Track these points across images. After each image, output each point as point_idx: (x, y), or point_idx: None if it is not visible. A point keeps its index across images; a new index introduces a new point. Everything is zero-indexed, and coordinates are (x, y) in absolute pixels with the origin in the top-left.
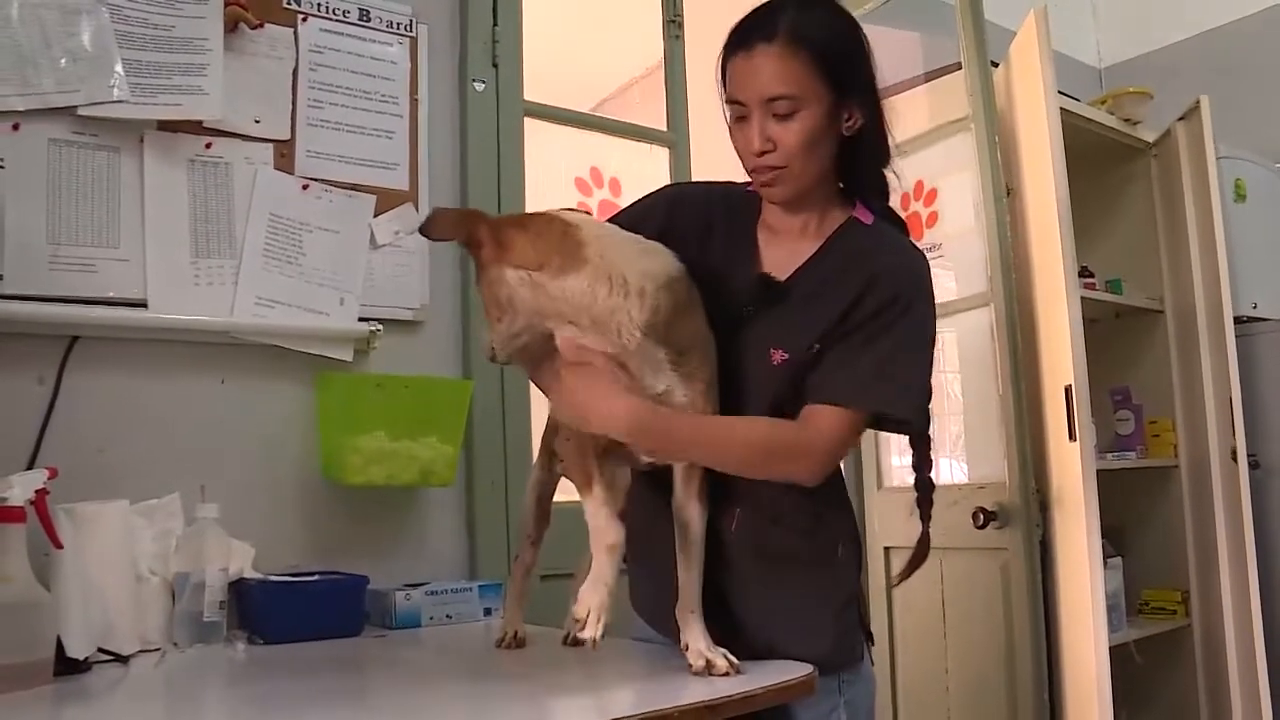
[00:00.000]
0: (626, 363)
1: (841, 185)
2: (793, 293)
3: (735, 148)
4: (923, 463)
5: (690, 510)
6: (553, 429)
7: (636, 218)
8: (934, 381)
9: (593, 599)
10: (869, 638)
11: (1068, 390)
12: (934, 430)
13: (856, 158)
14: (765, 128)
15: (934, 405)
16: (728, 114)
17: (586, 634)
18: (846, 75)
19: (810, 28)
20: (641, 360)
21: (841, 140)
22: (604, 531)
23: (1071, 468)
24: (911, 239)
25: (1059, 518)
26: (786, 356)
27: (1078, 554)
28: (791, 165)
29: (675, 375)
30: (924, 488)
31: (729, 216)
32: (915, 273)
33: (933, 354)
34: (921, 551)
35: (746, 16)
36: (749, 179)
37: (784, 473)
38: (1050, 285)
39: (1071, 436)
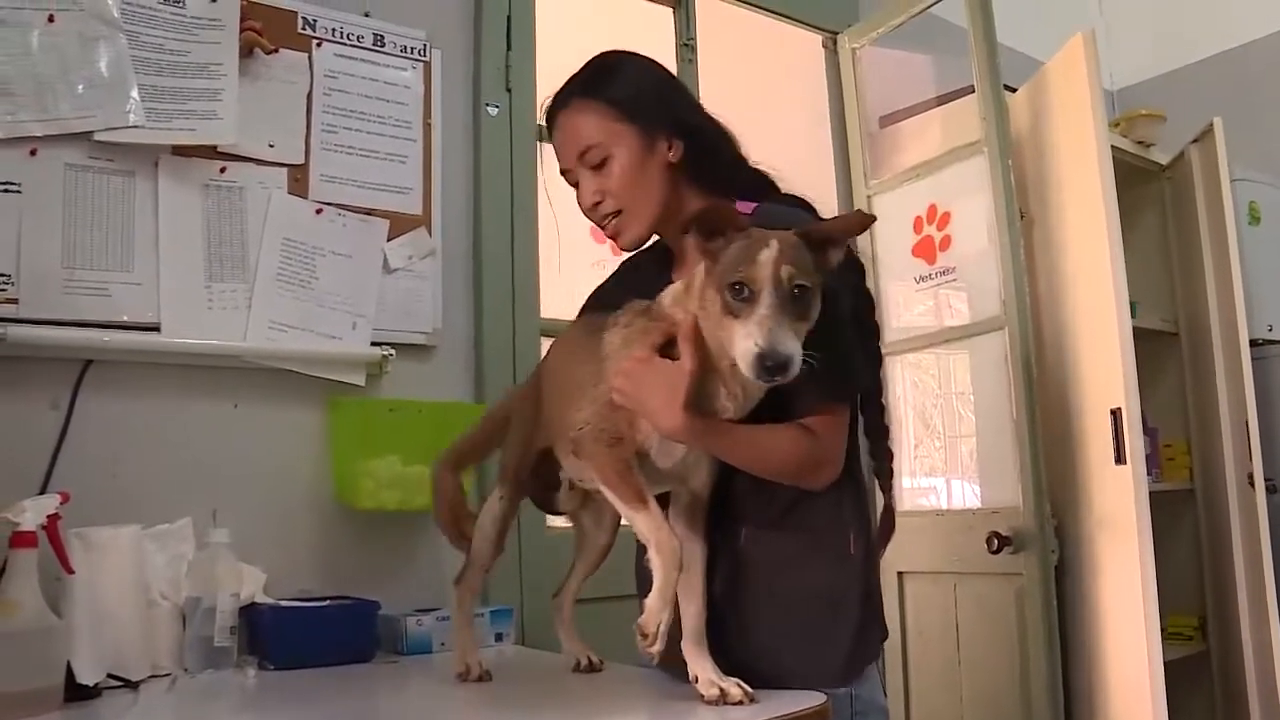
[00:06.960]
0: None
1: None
2: None
3: (584, 215)
4: (878, 430)
5: (693, 545)
6: (525, 455)
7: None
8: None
9: (663, 615)
10: (883, 633)
11: (1115, 413)
12: (886, 398)
13: (700, 170)
14: (590, 182)
15: (945, 428)
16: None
17: (657, 648)
18: (645, 110)
19: (595, 83)
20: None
21: (672, 166)
22: (674, 550)
23: (1122, 491)
24: (803, 199)
25: (1103, 541)
26: None
27: (1128, 577)
28: (626, 206)
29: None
30: (880, 456)
31: (649, 280)
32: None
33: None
34: (889, 523)
35: (546, 102)
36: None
37: (808, 483)
38: (1095, 309)
39: (1119, 459)
